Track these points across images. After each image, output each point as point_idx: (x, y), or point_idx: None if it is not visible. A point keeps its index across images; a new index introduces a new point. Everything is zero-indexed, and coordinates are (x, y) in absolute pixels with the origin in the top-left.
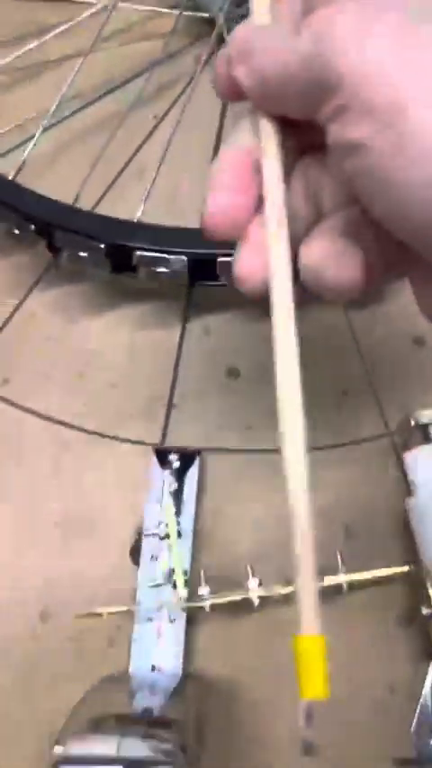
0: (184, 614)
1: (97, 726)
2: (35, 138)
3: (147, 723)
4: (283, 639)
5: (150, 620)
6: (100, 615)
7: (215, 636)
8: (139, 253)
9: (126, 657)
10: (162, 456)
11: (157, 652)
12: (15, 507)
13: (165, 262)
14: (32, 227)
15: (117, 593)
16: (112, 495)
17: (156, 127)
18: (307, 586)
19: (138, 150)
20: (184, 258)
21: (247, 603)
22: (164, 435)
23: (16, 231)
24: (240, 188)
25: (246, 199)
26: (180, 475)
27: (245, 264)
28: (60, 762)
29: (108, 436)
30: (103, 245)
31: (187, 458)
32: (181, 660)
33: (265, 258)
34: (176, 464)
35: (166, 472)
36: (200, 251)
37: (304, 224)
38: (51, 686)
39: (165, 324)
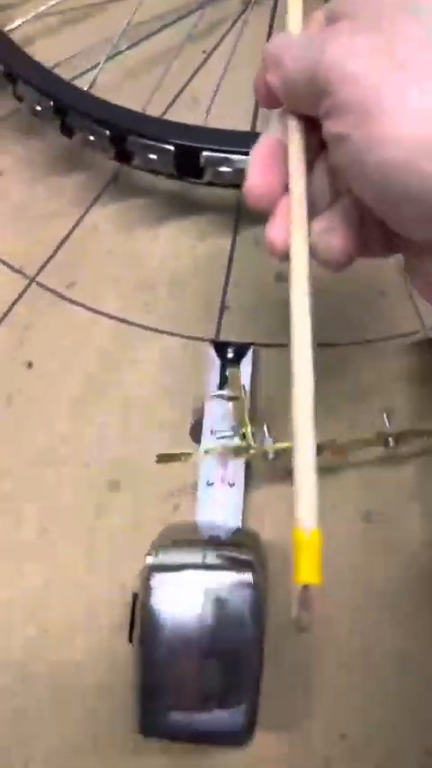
0: (242, 480)
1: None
2: (101, 64)
3: (219, 543)
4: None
5: (211, 484)
6: (179, 458)
7: (269, 502)
8: (206, 153)
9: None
10: (218, 348)
11: (218, 513)
12: (83, 391)
13: (229, 162)
14: (107, 132)
15: (179, 465)
16: (170, 382)
17: (205, 61)
18: (305, 479)
19: (189, 81)
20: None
21: None
22: (218, 333)
23: (91, 137)
24: (272, 171)
25: (277, 179)
26: (235, 364)
27: (274, 234)
28: (153, 569)
29: (167, 332)
30: (172, 147)
31: (241, 350)
32: (240, 521)
33: (288, 239)
34: (231, 355)
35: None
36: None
37: (325, 202)
38: (118, 547)
39: (219, 234)
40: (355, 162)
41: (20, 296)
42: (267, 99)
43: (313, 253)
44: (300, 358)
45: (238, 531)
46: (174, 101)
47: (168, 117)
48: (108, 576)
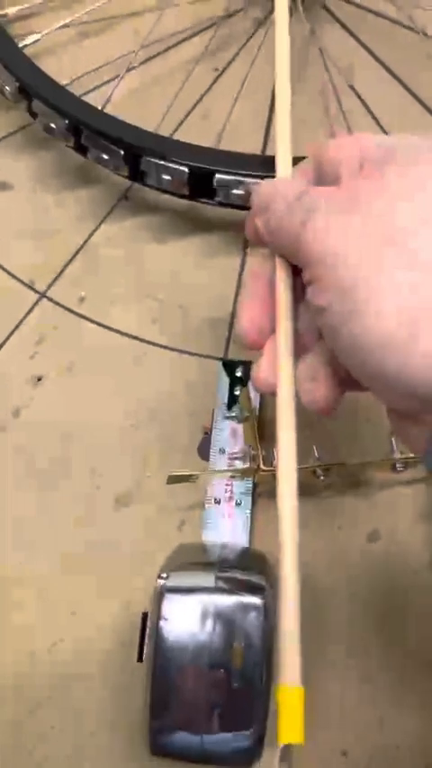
0: (250, 499)
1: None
2: (117, 82)
3: (229, 566)
4: (340, 523)
5: (218, 502)
6: (189, 479)
7: (276, 522)
8: (219, 176)
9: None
10: (227, 366)
11: (225, 532)
12: (92, 413)
13: (241, 184)
14: (122, 152)
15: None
16: (178, 399)
17: (217, 78)
18: (290, 637)
19: (200, 99)
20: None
21: (308, 484)
22: (226, 351)
23: (105, 156)
24: (262, 314)
25: (267, 321)
26: (243, 383)
27: (261, 373)
28: (165, 590)
29: (176, 350)
30: (186, 169)
31: (249, 368)
32: (247, 540)
33: (275, 378)
34: (240, 373)
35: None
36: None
37: (315, 338)
38: (131, 562)
39: (228, 252)
40: (333, 333)
41: (30, 310)
42: (256, 239)
43: (298, 396)
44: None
45: (245, 551)
46: (185, 118)
47: (179, 134)
48: (114, 593)
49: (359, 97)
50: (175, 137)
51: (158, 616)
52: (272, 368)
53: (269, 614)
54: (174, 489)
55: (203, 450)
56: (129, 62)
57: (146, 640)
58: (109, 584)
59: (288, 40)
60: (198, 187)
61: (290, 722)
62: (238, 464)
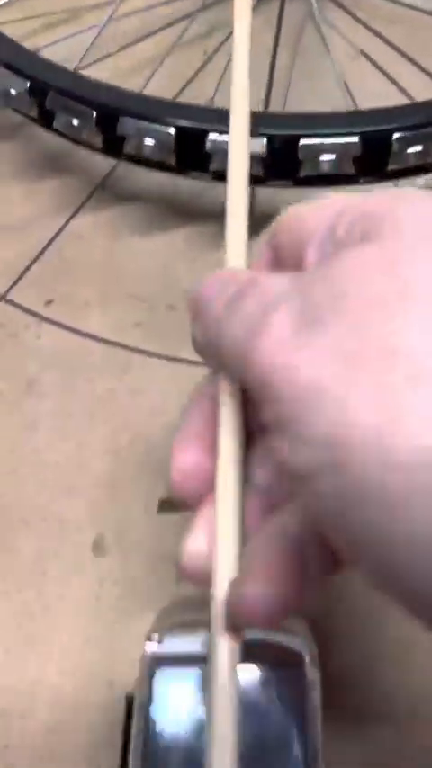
0: None
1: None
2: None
3: None
4: None
5: None
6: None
7: None
8: (213, 136)
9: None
10: None
11: None
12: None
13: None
14: (94, 114)
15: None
16: (167, 412)
17: (206, 63)
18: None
19: (188, 83)
20: (264, 141)
21: None
22: None
23: (75, 122)
24: (206, 448)
25: (210, 461)
26: None
27: (190, 548)
28: (156, 661)
29: (166, 357)
30: (173, 130)
31: None
32: None
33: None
34: None
35: None
36: (282, 132)
37: (270, 491)
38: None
39: (216, 244)
40: (327, 512)
41: None
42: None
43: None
44: None
45: None
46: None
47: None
48: (88, 670)
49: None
50: None
51: (146, 696)
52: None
53: (315, 693)
54: (166, 522)
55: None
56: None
57: (132, 735)
58: (80, 658)
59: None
60: (187, 154)
61: None
62: None
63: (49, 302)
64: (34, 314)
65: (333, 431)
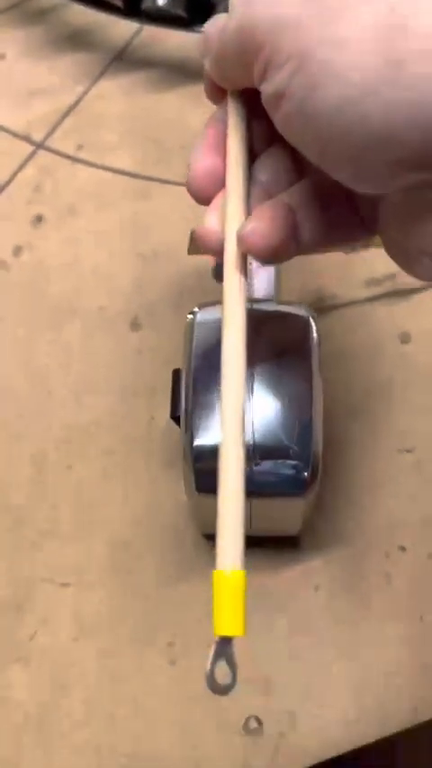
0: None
1: None
2: None
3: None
4: None
5: None
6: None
7: None
8: None
9: None
10: None
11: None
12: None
13: None
14: None
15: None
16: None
17: None
18: (229, 515)
19: None
20: None
21: None
22: None
23: None
24: (219, 160)
25: (221, 164)
26: None
27: (206, 226)
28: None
29: (179, 183)
30: None
31: None
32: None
33: (223, 235)
34: None
35: None
36: None
37: (277, 190)
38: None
39: None
40: (300, 114)
41: (26, 160)
42: (212, 92)
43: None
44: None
45: None
46: None
47: None
48: None
49: None
50: None
51: (191, 335)
52: (220, 221)
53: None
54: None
55: (219, 274)
56: None
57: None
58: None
59: None
60: (197, 9)
61: (227, 612)
62: None
63: (80, 147)
64: (68, 156)
65: (295, 45)
